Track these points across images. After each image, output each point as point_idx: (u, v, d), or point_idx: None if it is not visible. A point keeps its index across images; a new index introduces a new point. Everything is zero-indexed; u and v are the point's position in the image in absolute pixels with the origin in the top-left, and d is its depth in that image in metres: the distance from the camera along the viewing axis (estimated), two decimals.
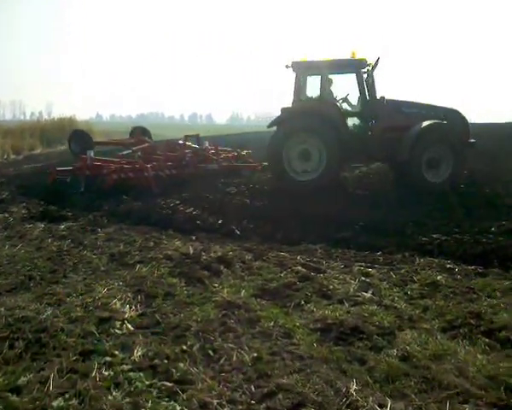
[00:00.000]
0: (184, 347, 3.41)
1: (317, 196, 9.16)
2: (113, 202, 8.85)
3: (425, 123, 10.08)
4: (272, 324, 3.73)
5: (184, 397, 2.82)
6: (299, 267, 4.97)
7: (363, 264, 5.13)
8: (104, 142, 17.53)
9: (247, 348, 3.38)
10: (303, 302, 4.14)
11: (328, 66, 10.64)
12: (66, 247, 6.06)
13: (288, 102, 10.59)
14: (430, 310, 3.95)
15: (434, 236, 6.50)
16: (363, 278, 4.66)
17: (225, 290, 4.44)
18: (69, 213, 8.16)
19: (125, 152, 12.97)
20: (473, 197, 8.98)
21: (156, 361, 3.22)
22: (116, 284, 4.70)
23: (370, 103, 10.34)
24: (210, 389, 2.91)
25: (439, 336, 3.50)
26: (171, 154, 12.40)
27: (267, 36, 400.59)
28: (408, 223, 7.23)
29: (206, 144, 13.48)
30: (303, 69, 10.61)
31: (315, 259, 5.31)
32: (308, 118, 10.12)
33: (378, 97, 10.27)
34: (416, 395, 2.84)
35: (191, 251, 5.54)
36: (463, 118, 10.84)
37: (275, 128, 10.72)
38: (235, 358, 3.25)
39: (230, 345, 3.42)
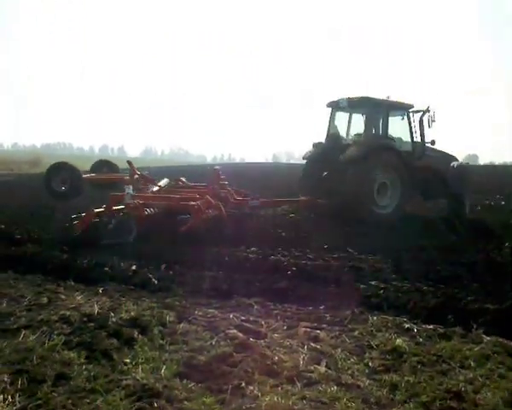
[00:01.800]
0: None
1: (240, 240, 8.33)
2: (2, 242, 7.37)
3: (460, 164, 11.78)
4: None
5: None
6: (235, 331, 4.03)
7: (308, 324, 4.31)
8: (97, 178, 12.82)
9: None
10: (243, 384, 3.20)
11: (390, 106, 11.49)
12: None
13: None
14: (400, 389, 3.19)
15: (373, 283, 5.97)
16: (312, 344, 3.83)
17: (140, 369, 3.38)
18: None
19: (154, 189, 10.13)
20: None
21: None
22: None
23: (419, 145, 11.56)
24: None
25: None
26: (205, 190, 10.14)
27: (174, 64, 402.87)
28: (342, 268, 6.69)
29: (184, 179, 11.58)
30: (372, 107, 11.26)
31: (251, 318, 4.40)
32: (388, 154, 10.84)
33: (429, 140, 11.50)
34: None
35: (96, 310, 4.38)
36: None
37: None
38: None
39: None
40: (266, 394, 3.08)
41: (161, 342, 3.84)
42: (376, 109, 11.33)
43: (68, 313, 4.32)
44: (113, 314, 4.30)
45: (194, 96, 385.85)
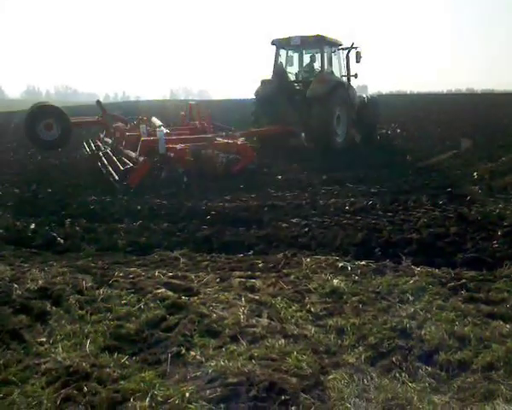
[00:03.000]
0: None
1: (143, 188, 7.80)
2: None
3: (372, 96, 14.89)
4: (148, 402, 2.42)
5: None
6: (163, 290, 3.65)
7: (242, 273, 4.06)
8: (82, 122, 11.01)
9: None
10: (183, 350, 2.89)
11: (333, 44, 12.42)
12: None
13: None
14: (346, 333, 3.09)
15: (294, 221, 5.89)
16: (250, 295, 3.58)
17: (60, 348, 2.91)
18: None
19: (164, 130, 9.06)
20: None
21: None
22: None
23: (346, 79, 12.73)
24: None
25: (374, 376, 2.65)
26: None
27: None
28: (262, 207, 6.54)
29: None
30: (324, 45, 12.04)
31: (180, 273, 4.02)
32: (341, 90, 11.93)
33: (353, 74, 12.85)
34: None
35: None
36: None
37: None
38: None
39: None
40: (211, 358, 2.80)
41: (80, 312, 3.34)
42: (327, 47, 12.19)
43: None
44: (16, 286, 3.66)
45: (81, 28, 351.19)
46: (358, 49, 12.43)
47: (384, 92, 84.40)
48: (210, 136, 9.35)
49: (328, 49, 12.25)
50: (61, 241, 5.03)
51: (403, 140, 14.36)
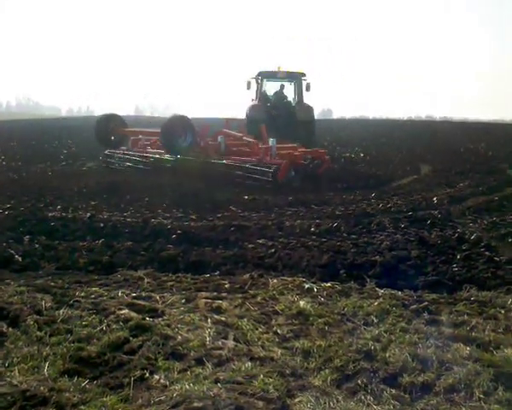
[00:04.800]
0: None
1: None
2: None
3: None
4: None
5: None
6: (127, 310, 3.55)
7: (208, 293, 4.01)
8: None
9: None
10: (147, 373, 2.81)
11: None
12: None
13: None
14: (312, 355, 3.09)
15: (260, 241, 5.90)
16: (215, 317, 3.54)
17: (16, 371, 2.78)
18: None
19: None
20: None
21: None
22: None
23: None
24: None
25: (340, 399, 2.66)
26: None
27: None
28: (228, 228, 6.52)
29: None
30: (302, 78, 15.02)
31: (144, 293, 3.94)
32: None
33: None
34: None
35: None
36: None
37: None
38: None
39: None
40: (175, 381, 2.74)
41: (39, 333, 3.21)
42: (303, 80, 15.04)
43: None
44: None
45: (44, 39, 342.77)
46: (308, 81, 15.22)
47: (348, 117, 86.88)
48: (292, 145, 11.64)
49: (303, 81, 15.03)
50: (19, 258, 4.84)
51: (366, 164, 14.71)
